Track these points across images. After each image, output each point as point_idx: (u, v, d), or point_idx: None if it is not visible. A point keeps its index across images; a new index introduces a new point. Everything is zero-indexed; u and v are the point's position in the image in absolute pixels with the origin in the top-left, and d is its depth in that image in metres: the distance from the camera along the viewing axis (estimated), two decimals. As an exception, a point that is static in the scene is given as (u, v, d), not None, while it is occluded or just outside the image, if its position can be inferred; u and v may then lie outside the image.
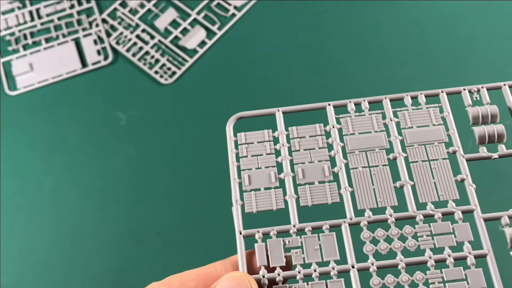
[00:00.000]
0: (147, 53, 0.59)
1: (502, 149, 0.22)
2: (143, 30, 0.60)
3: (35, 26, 0.60)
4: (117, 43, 0.59)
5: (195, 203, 0.51)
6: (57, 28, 0.61)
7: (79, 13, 0.61)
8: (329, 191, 0.22)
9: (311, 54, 0.58)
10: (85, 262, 0.49)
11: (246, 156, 0.24)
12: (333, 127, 0.24)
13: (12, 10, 0.62)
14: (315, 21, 0.59)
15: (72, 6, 0.61)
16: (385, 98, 0.24)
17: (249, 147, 0.25)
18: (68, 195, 0.52)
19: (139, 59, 0.58)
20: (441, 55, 0.57)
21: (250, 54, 0.58)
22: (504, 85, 0.24)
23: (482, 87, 0.24)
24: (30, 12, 0.61)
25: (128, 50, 0.59)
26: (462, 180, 0.22)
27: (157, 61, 0.58)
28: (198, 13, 0.60)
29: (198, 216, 0.51)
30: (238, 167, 0.24)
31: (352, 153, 0.23)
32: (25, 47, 0.60)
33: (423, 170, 0.22)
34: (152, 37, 0.59)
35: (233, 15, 0.60)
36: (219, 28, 0.60)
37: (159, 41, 0.59)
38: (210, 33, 0.59)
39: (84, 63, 0.59)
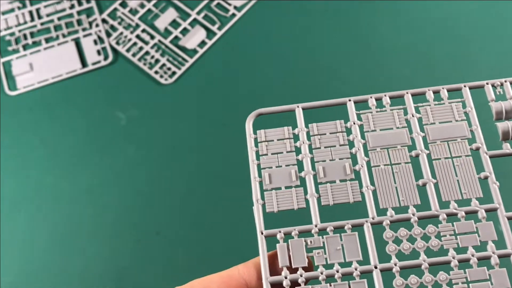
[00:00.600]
0: (147, 53, 0.59)
1: None
2: (143, 30, 0.60)
3: (35, 26, 0.60)
4: (117, 43, 0.59)
5: (195, 203, 0.51)
6: (57, 28, 0.61)
7: (79, 13, 0.61)
8: (351, 190, 0.22)
9: (311, 54, 0.58)
10: (85, 262, 0.49)
11: (266, 154, 0.24)
12: (354, 123, 0.23)
13: (12, 10, 0.62)
14: (315, 21, 0.59)
15: (72, 6, 0.61)
16: (407, 93, 0.23)
17: (269, 144, 0.24)
18: (68, 195, 0.52)
19: (139, 59, 0.58)
20: (441, 55, 0.57)
21: (250, 54, 0.58)
22: None
23: (505, 81, 0.23)
24: (30, 12, 0.61)
25: (128, 50, 0.59)
26: (486, 178, 0.21)
27: (157, 61, 0.58)
28: (198, 13, 0.60)
29: (198, 216, 0.51)
30: (259, 165, 0.24)
31: (374, 151, 0.23)
32: (25, 47, 0.60)
33: (446, 168, 0.22)
34: (152, 37, 0.59)
35: (233, 15, 0.60)
36: (219, 28, 0.60)
37: (159, 41, 0.59)
38: (210, 33, 0.59)
39: (84, 63, 0.59)
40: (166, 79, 0.57)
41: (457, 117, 0.23)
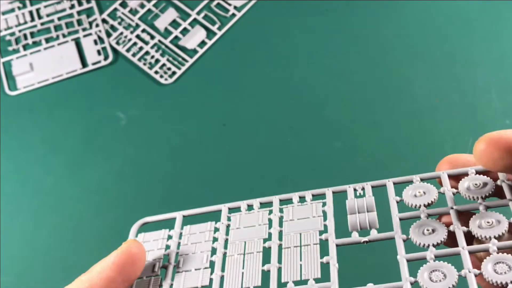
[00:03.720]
0: (147, 53, 0.59)
1: (374, 233, 0.24)
2: (143, 30, 0.60)
3: (35, 26, 0.61)
4: (117, 43, 0.59)
5: (195, 203, 0.51)
6: (57, 28, 0.61)
7: (79, 13, 0.61)
8: (202, 276, 0.24)
9: (311, 54, 0.58)
10: (85, 262, 0.49)
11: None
12: (223, 223, 0.27)
13: (12, 10, 0.62)
14: (315, 21, 0.59)
15: (72, 6, 0.61)
16: (275, 197, 0.26)
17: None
18: (68, 195, 0.52)
19: (139, 59, 0.58)
20: (441, 55, 0.57)
21: (250, 54, 0.58)
22: (389, 181, 0.25)
23: (367, 184, 0.26)
24: (31, 12, 0.61)
25: (128, 50, 0.59)
26: (327, 262, 0.23)
27: (157, 61, 0.58)
28: (198, 13, 0.60)
29: (197, 216, 0.51)
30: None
31: (233, 243, 0.25)
32: (25, 47, 0.60)
33: (293, 254, 0.24)
34: (152, 37, 0.60)
35: (233, 15, 0.60)
36: (219, 28, 0.60)
37: (159, 41, 0.59)
38: (210, 33, 0.59)
39: (84, 63, 0.59)
40: (166, 79, 0.57)
41: (314, 213, 0.25)
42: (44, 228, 0.51)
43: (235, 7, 0.60)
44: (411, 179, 0.25)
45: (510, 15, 0.58)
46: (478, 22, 0.58)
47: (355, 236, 0.24)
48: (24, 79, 0.58)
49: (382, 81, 0.56)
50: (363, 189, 0.25)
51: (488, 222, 0.22)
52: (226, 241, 0.26)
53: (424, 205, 0.24)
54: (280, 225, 0.25)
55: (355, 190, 0.26)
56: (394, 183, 0.25)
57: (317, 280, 0.22)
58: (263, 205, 0.26)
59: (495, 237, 0.21)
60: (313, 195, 0.26)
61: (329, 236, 0.24)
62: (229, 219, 0.27)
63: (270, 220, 0.26)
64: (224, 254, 0.25)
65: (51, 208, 0.52)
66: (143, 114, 0.56)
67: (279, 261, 0.24)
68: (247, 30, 0.59)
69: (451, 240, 0.22)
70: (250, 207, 0.27)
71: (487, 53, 0.56)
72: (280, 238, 0.25)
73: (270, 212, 0.26)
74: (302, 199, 0.26)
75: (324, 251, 0.23)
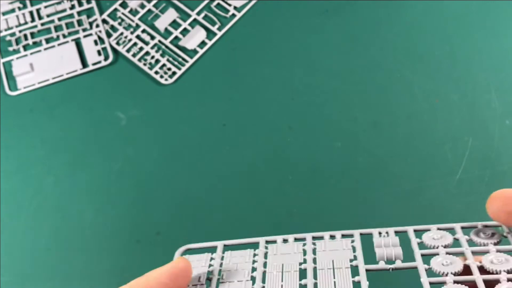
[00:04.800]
0: (147, 53, 0.59)
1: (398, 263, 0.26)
2: (143, 31, 0.60)
3: (35, 26, 0.61)
4: (118, 43, 0.59)
5: (195, 203, 0.52)
6: (58, 28, 0.61)
7: (79, 13, 0.61)
8: (244, 286, 0.27)
9: (311, 54, 0.58)
10: (85, 262, 0.50)
11: None
12: (261, 250, 0.29)
13: (12, 10, 0.62)
14: (315, 21, 0.59)
15: (72, 7, 0.61)
16: (309, 234, 0.29)
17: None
18: (68, 195, 0.52)
19: (139, 60, 0.58)
20: (441, 55, 0.57)
21: (250, 54, 0.58)
22: (410, 228, 0.28)
23: (390, 229, 0.28)
24: (31, 13, 0.61)
25: (128, 51, 0.59)
26: (359, 281, 0.25)
27: (157, 61, 0.58)
28: (198, 13, 0.60)
29: (198, 216, 0.51)
30: None
31: (272, 264, 0.28)
32: (25, 47, 0.60)
33: (326, 274, 0.26)
34: (152, 37, 0.60)
35: (233, 15, 0.60)
36: (219, 29, 0.60)
37: (159, 41, 0.59)
38: (210, 34, 0.59)
39: (84, 63, 0.59)
40: (166, 79, 0.57)
41: (344, 247, 0.28)
42: (44, 228, 0.51)
43: (235, 7, 0.60)
44: (429, 228, 0.28)
45: (510, 15, 0.58)
46: (478, 22, 0.58)
47: (382, 264, 0.26)
48: (25, 79, 0.58)
49: (382, 81, 0.56)
50: (387, 233, 0.28)
51: (499, 259, 0.25)
52: (265, 263, 0.28)
53: (442, 246, 0.26)
54: (314, 253, 0.28)
55: (380, 233, 0.28)
56: (414, 230, 0.28)
57: None
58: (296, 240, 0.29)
59: (506, 271, 0.24)
60: (342, 235, 0.28)
61: (359, 263, 0.26)
62: (266, 247, 0.29)
63: (304, 250, 0.28)
64: (264, 272, 0.27)
65: (51, 208, 0.52)
66: (143, 114, 0.56)
67: (315, 278, 0.26)
68: (247, 30, 0.59)
69: (466, 273, 0.25)
70: (285, 241, 0.29)
71: (487, 53, 0.56)
72: (315, 263, 0.27)
73: (304, 244, 0.29)
74: (332, 237, 0.29)
75: (355, 274, 0.26)
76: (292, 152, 0.53)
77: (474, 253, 0.26)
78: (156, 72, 0.58)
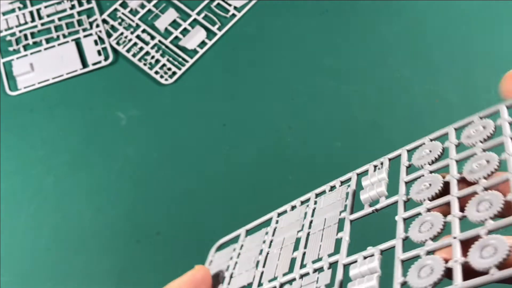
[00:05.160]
0: (147, 53, 0.59)
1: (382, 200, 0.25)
2: (144, 31, 0.60)
3: (35, 26, 0.61)
4: (118, 43, 0.59)
5: (195, 203, 0.52)
6: (58, 28, 0.61)
7: (79, 13, 0.61)
8: (247, 275, 0.28)
9: (311, 54, 0.58)
10: (85, 262, 0.50)
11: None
12: (271, 227, 0.30)
13: (13, 10, 0.62)
14: (315, 21, 0.59)
15: (72, 7, 0.61)
16: (312, 193, 0.29)
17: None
18: (68, 195, 0.52)
19: (140, 60, 0.58)
20: (441, 55, 0.57)
21: (250, 54, 0.58)
22: (403, 149, 0.27)
23: (384, 158, 0.27)
24: (31, 13, 0.61)
25: (128, 51, 0.59)
26: (341, 237, 0.25)
27: (157, 61, 0.58)
28: (198, 13, 0.60)
29: (198, 216, 0.51)
30: None
31: (275, 240, 0.29)
32: (25, 47, 0.60)
33: (317, 238, 0.26)
34: (153, 37, 0.60)
35: (233, 15, 0.60)
36: (219, 29, 0.60)
37: (160, 41, 0.59)
38: (210, 34, 0.59)
39: (84, 63, 0.59)
40: (166, 79, 0.57)
41: (339, 197, 0.27)
42: (44, 228, 0.51)
43: (235, 7, 0.60)
44: (423, 142, 0.26)
45: (510, 15, 0.58)
46: (478, 22, 0.58)
47: (366, 208, 0.25)
48: (25, 79, 0.58)
49: (382, 81, 0.56)
50: (382, 163, 0.26)
51: (480, 164, 0.21)
52: (271, 242, 0.29)
53: (429, 163, 0.24)
54: (313, 215, 0.27)
55: (375, 166, 0.27)
56: (407, 150, 0.26)
57: (330, 255, 0.24)
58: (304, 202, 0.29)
59: (484, 177, 0.21)
60: (341, 182, 0.28)
61: (346, 214, 0.25)
62: (277, 222, 0.30)
63: (305, 213, 0.28)
64: (267, 254, 0.28)
65: (52, 208, 0.52)
66: (143, 114, 0.56)
67: (306, 246, 0.26)
68: (247, 30, 0.59)
69: (447, 191, 0.22)
70: (293, 207, 0.29)
71: (487, 53, 0.56)
72: (310, 227, 0.27)
73: (308, 206, 0.28)
74: (333, 188, 0.28)
75: (342, 228, 0.25)
76: (292, 152, 0.53)
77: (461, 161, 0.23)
78: (156, 72, 0.58)
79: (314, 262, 0.25)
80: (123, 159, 0.54)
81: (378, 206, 0.24)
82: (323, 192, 0.28)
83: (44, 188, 0.53)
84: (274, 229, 0.29)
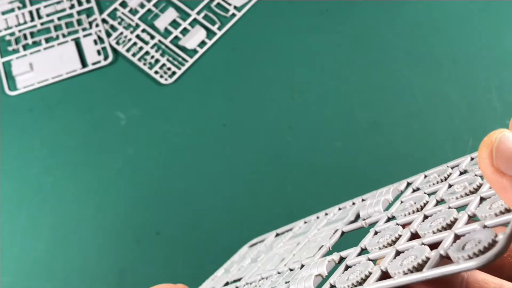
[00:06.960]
0: (147, 53, 0.59)
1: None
2: (143, 30, 0.60)
3: (35, 26, 0.60)
4: (117, 43, 0.59)
5: (195, 203, 0.52)
6: (57, 28, 0.61)
7: (79, 13, 0.61)
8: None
9: (311, 54, 0.58)
10: (85, 262, 0.49)
11: None
12: (288, 232, 0.31)
13: (12, 10, 0.62)
14: (315, 21, 0.59)
15: (72, 6, 0.61)
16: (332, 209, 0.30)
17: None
18: (68, 195, 0.52)
19: (139, 59, 0.58)
20: (441, 55, 0.57)
21: (250, 54, 0.58)
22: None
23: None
24: (30, 12, 0.61)
25: (128, 50, 0.59)
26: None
27: (157, 61, 0.58)
28: (198, 13, 0.60)
29: (198, 216, 0.51)
30: None
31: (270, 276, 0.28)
32: (25, 47, 0.60)
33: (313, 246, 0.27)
34: (152, 37, 0.60)
35: (233, 15, 0.60)
36: (219, 28, 0.60)
37: (159, 41, 0.59)
38: (210, 33, 0.59)
39: (84, 63, 0.59)
40: (166, 79, 0.57)
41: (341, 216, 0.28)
42: (44, 228, 0.51)
43: (235, 7, 0.60)
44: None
45: (510, 15, 0.58)
46: (478, 22, 0.58)
47: (358, 223, 0.26)
48: (24, 79, 0.58)
49: (382, 81, 0.56)
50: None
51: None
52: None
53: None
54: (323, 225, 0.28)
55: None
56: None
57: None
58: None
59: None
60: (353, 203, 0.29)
61: (340, 225, 0.26)
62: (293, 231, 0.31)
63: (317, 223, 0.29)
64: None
65: (51, 208, 0.52)
66: (143, 114, 0.56)
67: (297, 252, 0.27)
68: (247, 30, 0.59)
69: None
70: (318, 218, 0.31)
71: (487, 53, 0.56)
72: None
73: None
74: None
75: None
76: (292, 152, 0.53)
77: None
78: (156, 72, 0.57)
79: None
80: (122, 159, 0.54)
81: (367, 221, 0.25)
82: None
83: (44, 188, 0.53)
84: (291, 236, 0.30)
